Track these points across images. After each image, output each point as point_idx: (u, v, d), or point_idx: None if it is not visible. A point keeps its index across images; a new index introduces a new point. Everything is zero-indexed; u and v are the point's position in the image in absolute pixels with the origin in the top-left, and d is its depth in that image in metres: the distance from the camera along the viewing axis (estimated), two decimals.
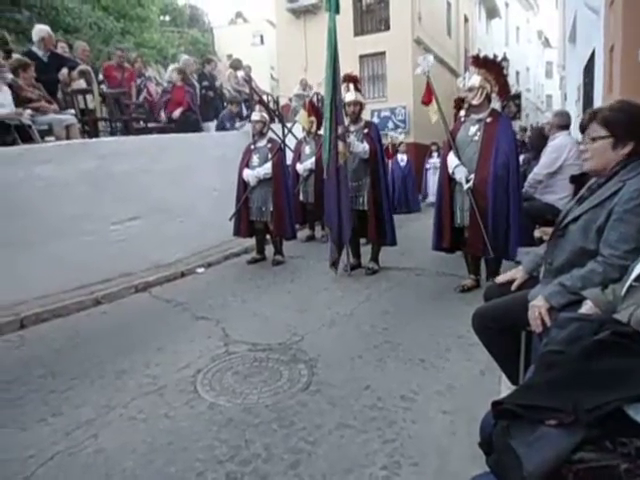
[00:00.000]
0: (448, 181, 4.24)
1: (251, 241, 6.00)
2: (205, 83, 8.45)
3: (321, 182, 5.66)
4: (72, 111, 5.67)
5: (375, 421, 2.34)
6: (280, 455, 2.11)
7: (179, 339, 3.53)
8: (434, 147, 12.04)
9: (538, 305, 1.85)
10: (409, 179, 11.07)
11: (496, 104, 4.49)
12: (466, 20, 19.47)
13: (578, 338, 1.39)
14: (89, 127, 6.01)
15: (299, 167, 6.96)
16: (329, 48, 4.56)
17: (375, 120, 12.93)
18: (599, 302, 1.66)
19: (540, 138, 5.26)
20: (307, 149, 6.99)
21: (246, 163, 5.62)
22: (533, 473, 1.11)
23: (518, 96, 14.96)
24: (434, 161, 11.56)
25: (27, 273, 4.26)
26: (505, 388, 2.32)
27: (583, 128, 1.99)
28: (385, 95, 14.94)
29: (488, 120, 4.07)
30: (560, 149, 4.43)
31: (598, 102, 6.10)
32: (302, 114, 7.05)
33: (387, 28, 14.60)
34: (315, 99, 8.14)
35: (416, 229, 7.62)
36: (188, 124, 7.05)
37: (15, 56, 5.53)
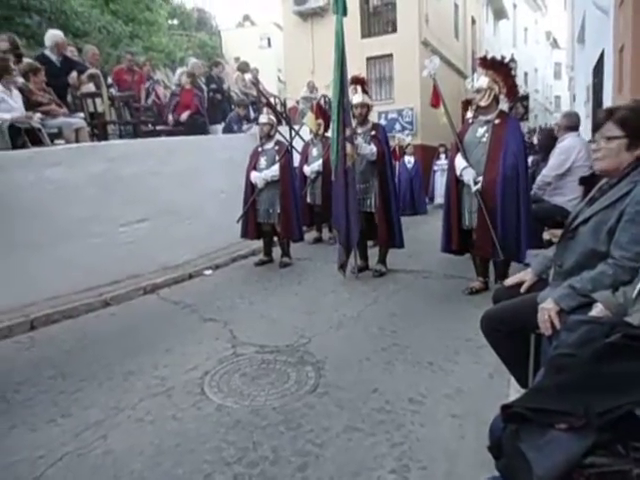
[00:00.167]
0: (456, 183, 4.23)
1: (258, 243, 6.02)
2: (213, 86, 8.49)
3: (329, 184, 5.67)
4: (81, 114, 5.73)
5: (383, 424, 2.33)
6: (288, 458, 2.11)
7: (187, 341, 3.54)
8: (442, 149, 12.00)
9: (548, 308, 1.83)
10: (416, 181, 11.05)
11: (504, 105, 4.47)
12: (473, 22, 19.40)
13: (589, 341, 1.38)
14: (98, 130, 6.06)
15: (306, 169, 6.97)
16: (337, 51, 4.57)
17: (382, 122, 12.91)
18: (610, 305, 1.64)
19: (549, 139, 5.22)
20: (314, 151, 7.00)
21: (254, 165, 5.64)
22: (543, 478, 1.10)
23: (526, 97, 14.84)
24: (442, 163, 11.52)
25: (37, 275, 4.30)
26: (514, 391, 2.30)
27: (598, 126, 1.95)
28: (392, 97, 14.92)
29: (496, 121, 4.05)
30: (569, 150, 4.40)
31: (608, 103, 6.05)
32: (309, 116, 7.07)
33: (394, 30, 14.59)
34: (322, 101, 8.15)
35: (423, 231, 7.59)
36: (196, 127, 7.10)
37: (26, 60, 5.59)
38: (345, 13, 4.64)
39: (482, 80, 4.08)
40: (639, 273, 1.64)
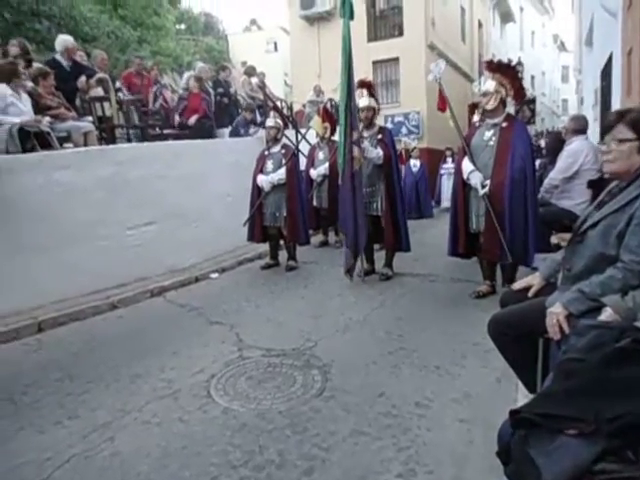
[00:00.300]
0: (463, 186, 4.21)
1: (265, 246, 6.03)
2: (220, 90, 8.55)
3: (335, 187, 5.67)
4: (90, 118, 5.77)
5: (390, 428, 2.32)
6: (294, 461, 2.10)
7: (193, 344, 3.55)
8: (448, 152, 11.97)
9: (556, 312, 1.82)
10: (421, 184, 11.01)
11: (511, 108, 4.45)
12: (480, 25, 19.39)
13: (598, 346, 1.37)
14: (106, 134, 6.12)
15: (313, 172, 6.98)
16: (344, 55, 4.57)
17: (389, 125, 12.90)
18: (619, 309, 1.63)
19: (557, 142, 5.20)
20: (321, 155, 7.01)
21: (260, 169, 5.65)
22: None
23: (533, 101, 14.78)
24: (448, 166, 11.47)
25: (44, 277, 4.33)
26: (522, 396, 2.28)
27: (608, 128, 1.93)
28: (398, 100, 14.92)
29: (504, 125, 4.04)
30: (576, 154, 4.37)
31: (616, 106, 6.02)
32: (316, 120, 7.08)
33: (400, 34, 14.60)
34: (329, 105, 8.16)
35: (430, 235, 7.57)
36: (203, 130, 7.14)
37: (36, 65, 5.65)
38: (352, 17, 4.65)
39: (489, 83, 4.08)
40: None
